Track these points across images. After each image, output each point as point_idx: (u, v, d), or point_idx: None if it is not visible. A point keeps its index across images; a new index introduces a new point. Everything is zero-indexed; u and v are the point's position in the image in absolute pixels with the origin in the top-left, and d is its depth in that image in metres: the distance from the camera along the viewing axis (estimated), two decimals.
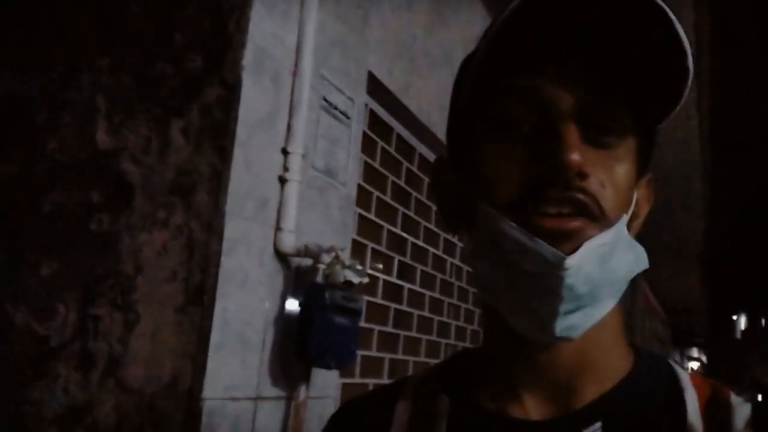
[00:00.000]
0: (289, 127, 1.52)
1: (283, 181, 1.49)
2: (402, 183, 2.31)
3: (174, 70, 1.46)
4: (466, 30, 2.62)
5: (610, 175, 0.50)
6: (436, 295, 2.62)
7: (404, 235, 2.32)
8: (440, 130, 2.40)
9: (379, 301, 2.13)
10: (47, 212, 1.51)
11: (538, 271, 0.48)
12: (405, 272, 2.34)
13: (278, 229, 1.47)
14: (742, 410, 0.52)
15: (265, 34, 1.46)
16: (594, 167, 0.49)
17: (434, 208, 2.58)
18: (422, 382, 0.62)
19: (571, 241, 0.48)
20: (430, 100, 2.32)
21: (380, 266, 2.11)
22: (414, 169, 2.42)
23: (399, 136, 2.28)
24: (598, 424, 0.51)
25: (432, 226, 2.57)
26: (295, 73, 1.54)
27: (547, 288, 0.48)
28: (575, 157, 0.47)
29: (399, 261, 2.28)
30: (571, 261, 0.47)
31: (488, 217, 0.51)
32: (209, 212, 1.35)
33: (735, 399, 0.53)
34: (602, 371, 0.54)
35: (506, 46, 0.49)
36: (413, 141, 2.40)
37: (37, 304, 1.47)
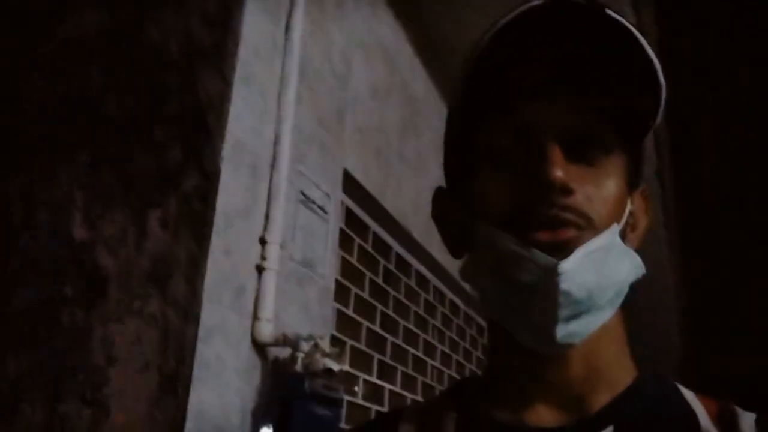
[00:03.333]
0: (267, 217, 1.53)
1: (260, 269, 1.48)
2: (380, 281, 2.30)
3: (153, 163, 1.49)
4: (438, 137, 2.71)
5: (598, 189, 0.52)
6: (419, 398, 2.54)
7: (384, 333, 2.29)
8: (416, 230, 2.44)
9: (360, 402, 2.06)
10: (17, 308, 1.47)
11: (535, 280, 0.49)
12: (386, 372, 2.28)
13: (256, 318, 1.45)
14: (747, 418, 0.52)
15: (243, 127, 1.51)
16: (580, 183, 0.51)
17: (413, 308, 2.57)
18: (426, 406, 0.60)
19: (565, 251, 0.49)
20: (406, 200, 2.37)
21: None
22: (391, 267, 2.42)
23: (375, 234, 2.30)
24: (610, 428, 0.51)
25: (411, 326, 2.54)
26: (273, 166, 1.58)
27: (544, 296, 0.49)
28: (558, 173, 0.49)
29: (378, 360, 2.23)
30: (565, 266, 0.48)
31: (486, 233, 0.53)
32: (186, 300, 1.33)
33: (740, 410, 0.53)
34: (611, 381, 0.54)
35: (487, 77, 0.52)
36: (389, 240, 2.42)
37: (1, 406, 1.40)
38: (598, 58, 0.50)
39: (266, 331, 1.43)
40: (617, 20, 0.49)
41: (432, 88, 2.74)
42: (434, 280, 2.78)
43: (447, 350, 2.88)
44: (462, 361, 3.04)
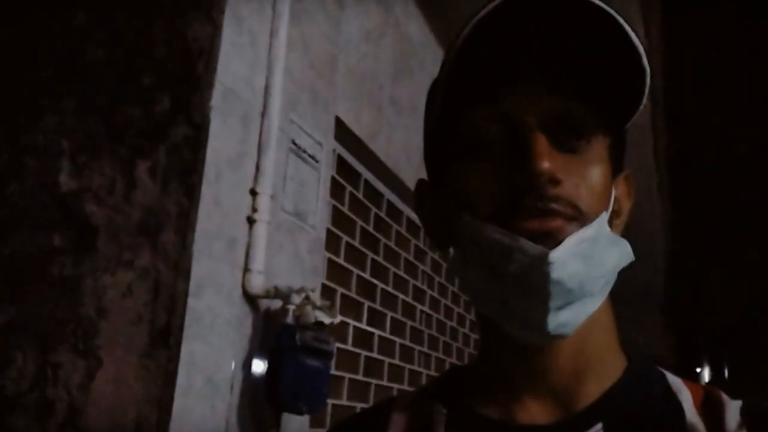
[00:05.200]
0: (257, 167, 1.51)
1: (251, 221, 1.47)
2: (371, 229, 2.30)
3: (141, 112, 1.45)
4: (431, 79, 2.67)
5: (584, 177, 0.51)
6: (407, 342, 2.58)
7: (374, 280, 2.30)
8: (408, 177, 2.42)
9: (349, 348, 2.09)
10: (6, 257, 1.46)
11: (524, 271, 0.48)
12: (375, 319, 2.31)
13: (247, 270, 1.44)
14: (733, 407, 0.52)
15: (233, 75, 1.47)
16: (567, 172, 0.50)
17: (403, 255, 2.58)
18: (417, 396, 0.61)
19: (552, 240, 0.48)
20: (398, 147, 2.35)
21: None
22: (382, 215, 2.42)
23: (367, 182, 2.29)
24: (599, 425, 0.51)
25: (401, 273, 2.55)
26: (264, 115, 1.55)
27: (534, 286, 0.48)
28: (545, 164, 0.48)
29: (369, 307, 2.25)
30: (555, 254, 0.48)
31: (471, 225, 0.52)
32: (176, 252, 1.32)
33: (726, 397, 0.54)
34: (601, 371, 0.54)
35: (468, 67, 0.50)
36: (381, 187, 2.41)
37: None
38: (581, 44, 0.49)
39: (257, 283, 1.43)
40: (600, 6, 0.47)
41: (426, 29, 2.68)
42: None
43: (436, 295, 2.91)
44: (450, 305, 3.08)
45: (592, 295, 0.51)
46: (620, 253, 0.52)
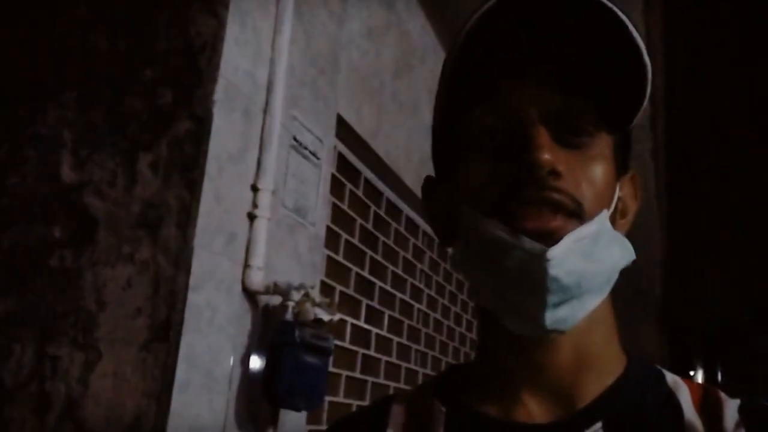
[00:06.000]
0: (259, 163, 1.51)
1: (252, 217, 1.47)
2: (370, 227, 2.30)
3: (143, 105, 1.45)
4: (432, 79, 2.67)
5: (586, 173, 0.51)
6: (404, 341, 2.58)
7: (372, 279, 2.30)
8: (408, 176, 2.42)
9: (347, 345, 2.09)
10: (6, 248, 1.46)
11: (523, 267, 0.49)
12: (373, 317, 2.31)
13: (247, 266, 1.44)
14: (731, 405, 0.52)
15: (236, 70, 1.47)
16: (568, 167, 0.50)
17: (401, 253, 2.58)
18: (415, 394, 0.61)
19: (552, 239, 0.49)
20: (398, 145, 2.35)
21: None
22: (381, 213, 2.42)
23: (367, 180, 2.29)
24: (599, 424, 0.51)
25: (400, 271, 2.55)
26: (266, 111, 1.55)
27: (533, 282, 0.49)
28: (546, 156, 0.48)
29: (367, 305, 2.25)
30: (553, 252, 0.48)
31: (471, 219, 0.52)
32: (177, 246, 1.32)
33: (724, 396, 0.54)
34: (600, 369, 0.54)
35: (470, 62, 0.51)
36: (380, 185, 2.41)
37: None
38: (583, 40, 0.49)
39: (257, 279, 1.43)
40: (602, 3, 0.47)
41: (428, 27, 2.68)
42: (423, 225, 2.79)
43: (434, 294, 2.91)
44: (447, 303, 3.08)
45: (591, 292, 0.51)
46: (622, 252, 0.52)
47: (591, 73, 0.50)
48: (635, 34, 0.48)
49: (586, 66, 0.50)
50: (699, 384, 0.56)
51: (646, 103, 0.51)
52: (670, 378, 0.56)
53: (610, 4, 0.47)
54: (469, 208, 0.52)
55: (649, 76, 0.49)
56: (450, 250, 0.58)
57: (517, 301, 0.50)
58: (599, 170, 0.52)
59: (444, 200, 0.58)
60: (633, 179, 0.58)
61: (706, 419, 0.51)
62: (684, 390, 0.54)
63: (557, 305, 0.49)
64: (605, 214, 0.51)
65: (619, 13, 0.47)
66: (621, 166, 0.55)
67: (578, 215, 0.50)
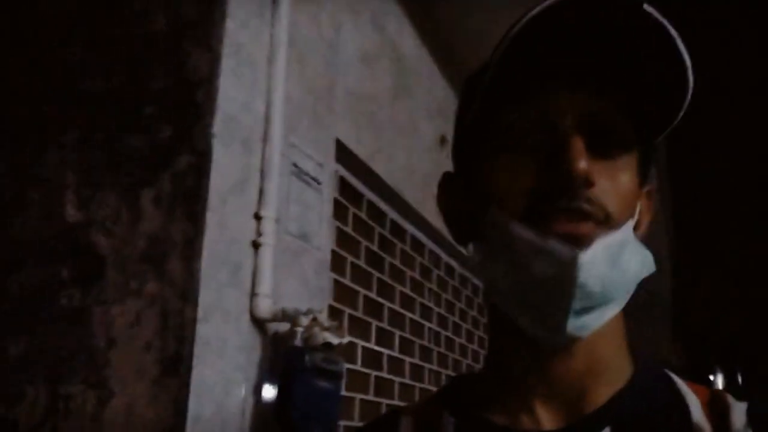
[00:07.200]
0: (260, 192, 1.52)
1: (256, 245, 1.48)
2: (375, 248, 2.31)
3: (144, 142, 1.47)
4: (429, 99, 2.69)
5: (615, 183, 0.51)
6: (417, 361, 2.58)
7: (380, 300, 2.30)
8: (410, 195, 2.43)
9: (359, 368, 2.09)
10: (14, 291, 1.47)
11: (552, 272, 0.49)
12: (383, 338, 2.30)
13: (254, 294, 1.45)
14: (738, 408, 0.52)
15: (233, 102, 1.49)
16: (599, 176, 0.50)
17: (408, 273, 2.58)
18: (424, 405, 0.61)
19: (582, 244, 0.49)
20: (399, 166, 2.36)
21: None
22: (386, 233, 2.42)
23: (369, 201, 2.29)
24: (607, 430, 0.51)
25: (408, 291, 2.55)
26: (265, 140, 1.56)
27: (560, 287, 0.49)
28: (582, 165, 0.48)
29: (376, 326, 2.25)
30: (585, 257, 0.48)
31: (500, 221, 0.52)
32: (183, 279, 1.33)
33: (732, 399, 0.54)
34: (610, 375, 0.54)
35: (513, 63, 0.51)
36: (384, 206, 2.42)
37: (5, 388, 1.41)
38: (627, 51, 0.49)
39: (265, 306, 1.43)
40: (651, 14, 0.47)
41: (421, 47, 2.70)
42: (429, 244, 2.79)
43: (443, 312, 2.90)
44: (458, 321, 3.07)
45: (614, 300, 0.51)
46: (643, 263, 0.53)
47: (630, 85, 0.51)
48: (684, 50, 0.47)
49: (627, 77, 0.50)
50: (707, 388, 0.56)
51: (680, 118, 0.51)
52: (679, 382, 0.56)
53: (662, 19, 0.47)
54: (499, 210, 0.52)
55: (689, 95, 0.49)
56: (466, 250, 0.58)
57: (540, 304, 0.51)
58: (627, 180, 0.52)
59: (465, 198, 0.58)
60: (649, 193, 0.58)
61: (714, 423, 0.51)
62: (692, 394, 0.54)
63: (579, 312, 0.50)
64: (631, 224, 0.52)
65: (671, 29, 0.47)
66: (643, 178, 0.56)
67: (607, 223, 0.50)
